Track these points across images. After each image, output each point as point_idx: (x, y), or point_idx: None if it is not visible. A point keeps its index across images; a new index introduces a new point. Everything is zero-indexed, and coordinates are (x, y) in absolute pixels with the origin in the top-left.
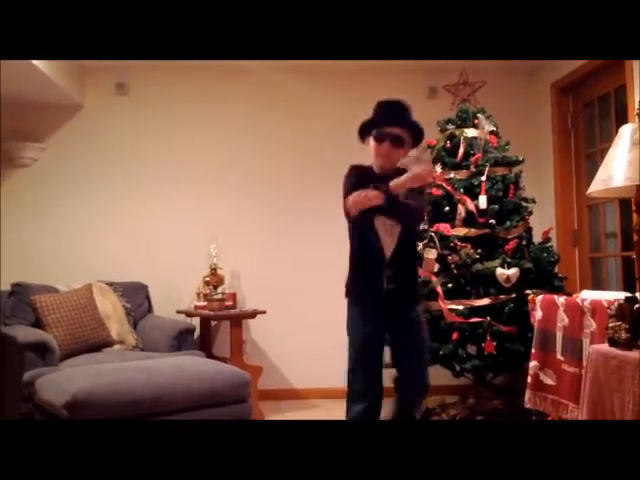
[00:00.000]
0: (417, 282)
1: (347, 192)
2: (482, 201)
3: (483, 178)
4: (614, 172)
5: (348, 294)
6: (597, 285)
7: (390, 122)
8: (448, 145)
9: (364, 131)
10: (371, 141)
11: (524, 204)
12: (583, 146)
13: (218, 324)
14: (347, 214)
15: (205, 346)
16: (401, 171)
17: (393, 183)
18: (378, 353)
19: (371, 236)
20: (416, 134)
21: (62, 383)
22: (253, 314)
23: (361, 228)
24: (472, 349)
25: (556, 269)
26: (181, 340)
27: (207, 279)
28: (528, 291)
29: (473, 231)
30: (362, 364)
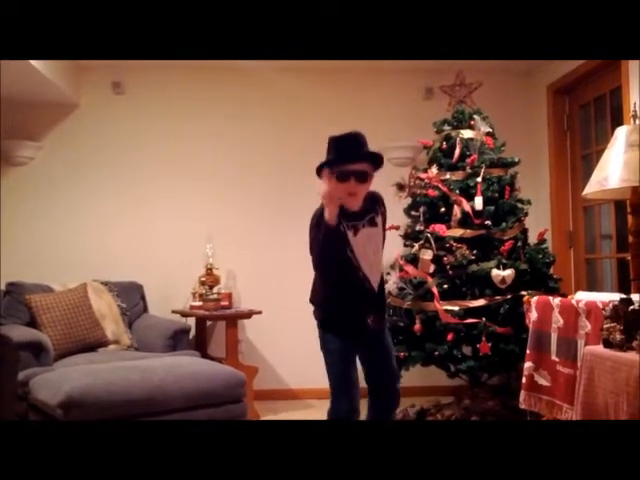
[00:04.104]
0: (386, 308)
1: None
2: (478, 202)
3: (479, 179)
4: (610, 174)
5: (325, 323)
6: (592, 286)
7: (351, 159)
8: (444, 146)
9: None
10: (330, 179)
11: (520, 205)
12: (579, 147)
13: (214, 324)
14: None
15: (200, 346)
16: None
17: (327, 215)
18: (356, 374)
19: (354, 268)
20: (377, 163)
21: (56, 382)
22: (249, 314)
23: (339, 258)
24: (467, 350)
25: (551, 270)
26: (176, 340)
27: (203, 279)
28: (523, 292)
29: (469, 232)
30: (346, 393)
